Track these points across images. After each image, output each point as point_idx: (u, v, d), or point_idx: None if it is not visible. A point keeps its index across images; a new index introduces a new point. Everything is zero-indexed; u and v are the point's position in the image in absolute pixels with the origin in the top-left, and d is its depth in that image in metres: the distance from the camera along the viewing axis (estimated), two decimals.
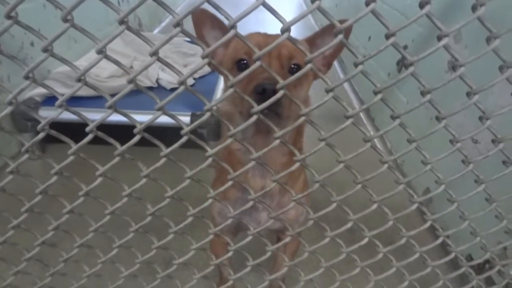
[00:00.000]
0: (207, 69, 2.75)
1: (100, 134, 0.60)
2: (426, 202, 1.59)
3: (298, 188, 0.94)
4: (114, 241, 0.74)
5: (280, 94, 0.56)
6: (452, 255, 0.80)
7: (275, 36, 0.78)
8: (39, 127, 0.58)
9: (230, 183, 0.67)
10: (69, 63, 0.55)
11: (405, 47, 2.18)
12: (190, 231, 0.73)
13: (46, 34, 0.47)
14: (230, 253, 0.76)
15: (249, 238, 0.74)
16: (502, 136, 0.67)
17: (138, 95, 0.57)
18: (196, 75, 2.67)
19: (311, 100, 0.87)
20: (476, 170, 0.71)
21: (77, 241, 0.73)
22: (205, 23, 0.80)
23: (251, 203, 0.70)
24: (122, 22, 0.49)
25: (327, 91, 0.59)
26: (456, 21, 0.54)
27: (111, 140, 0.61)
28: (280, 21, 0.53)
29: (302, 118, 0.60)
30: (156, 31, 4.37)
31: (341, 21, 0.59)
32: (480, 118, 0.65)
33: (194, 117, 1.95)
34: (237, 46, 0.80)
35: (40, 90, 2.03)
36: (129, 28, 0.51)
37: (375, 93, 0.60)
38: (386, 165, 0.67)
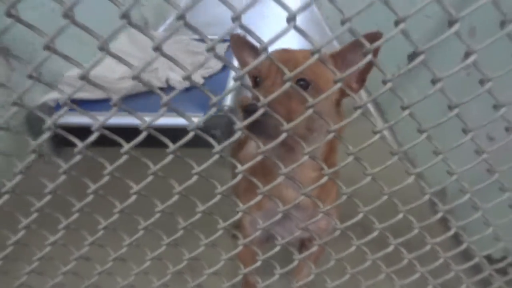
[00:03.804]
0: (217, 67, 2.75)
1: (106, 132, 0.58)
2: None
3: (331, 201, 0.94)
4: (146, 253, 0.77)
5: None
6: (476, 259, 0.82)
7: (295, 52, 0.79)
8: (44, 126, 0.55)
9: (259, 197, 0.69)
10: (72, 60, 0.52)
11: None
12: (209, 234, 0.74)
13: (59, 40, 0.46)
14: (258, 263, 0.78)
15: (278, 248, 0.76)
16: None
17: (148, 97, 0.56)
18: (206, 74, 2.68)
19: (342, 114, 0.84)
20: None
21: (111, 254, 0.76)
22: (243, 48, 0.85)
23: (280, 215, 0.72)
24: (123, 16, 0.46)
25: (355, 108, 0.60)
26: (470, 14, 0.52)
27: (117, 138, 0.59)
28: (311, 43, 0.53)
29: (331, 135, 0.62)
30: (161, 29, 4.37)
31: (369, 36, 0.57)
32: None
33: (208, 118, 1.96)
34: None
35: (54, 95, 2.05)
36: (131, 23, 0.48)
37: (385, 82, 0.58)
38: (412, 177, 0.68)
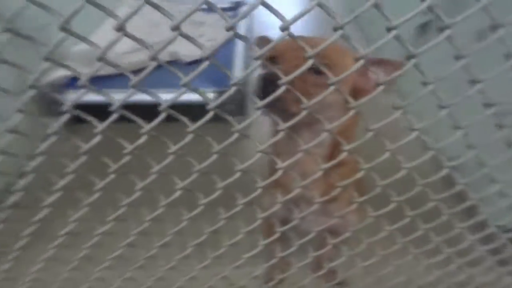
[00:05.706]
0: (220, 39, 2.68)
1: (125, 113, 0.58)
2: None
3: (347, 197, 0.86)
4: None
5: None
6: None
7: (316, 38, 0.77)
8: (63, 109, 0.56)
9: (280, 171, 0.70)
10: (88, 41, 0.51)
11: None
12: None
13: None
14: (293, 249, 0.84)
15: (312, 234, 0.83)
16: None
17: (154, 71, 0.53)
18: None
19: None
20: None
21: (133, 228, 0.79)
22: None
23: (297, 190, 0.73)
24: None
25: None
26: None
27: (137, 119, 0.60)
28: (334, 18, 0.52)
29: (352, 111, 0.62)
30: None
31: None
32: None
33: (219, 94, 1.93)
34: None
35: (63, 73, 2.03)
36: (149, 2, 0.48)
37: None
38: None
